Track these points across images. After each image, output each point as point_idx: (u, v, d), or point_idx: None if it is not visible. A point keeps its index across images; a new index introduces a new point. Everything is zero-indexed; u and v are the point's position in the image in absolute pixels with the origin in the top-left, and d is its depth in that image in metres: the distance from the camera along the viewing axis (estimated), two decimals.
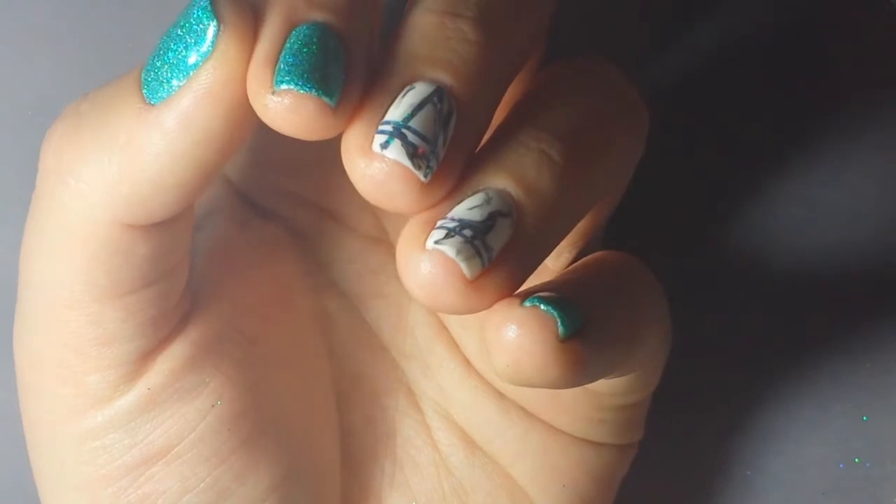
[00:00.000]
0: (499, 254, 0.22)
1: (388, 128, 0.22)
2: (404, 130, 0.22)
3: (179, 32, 0.23)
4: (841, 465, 0.33)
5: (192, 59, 0.22)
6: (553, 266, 0.27)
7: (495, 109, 0.24)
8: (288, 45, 0.22)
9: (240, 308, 0.27)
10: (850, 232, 0.33)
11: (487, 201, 0.22)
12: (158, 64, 0.23)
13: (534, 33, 0.25)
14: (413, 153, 0.22)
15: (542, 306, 0.22)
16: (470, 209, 0.22)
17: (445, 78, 0.22)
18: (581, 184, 0.23)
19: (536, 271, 0.24)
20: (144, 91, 0.23)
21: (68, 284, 0.24)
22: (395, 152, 0.22)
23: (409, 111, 0.22)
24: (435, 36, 0.23)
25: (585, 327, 0.23)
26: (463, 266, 0.22)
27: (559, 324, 0.22)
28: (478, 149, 0.23)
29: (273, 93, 0.22)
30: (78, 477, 0.26)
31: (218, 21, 0.22)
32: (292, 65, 0.22)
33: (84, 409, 0.25)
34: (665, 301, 0.27)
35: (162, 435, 0.25)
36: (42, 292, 0.25)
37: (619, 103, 0.25)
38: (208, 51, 0.22)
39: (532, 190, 0.23)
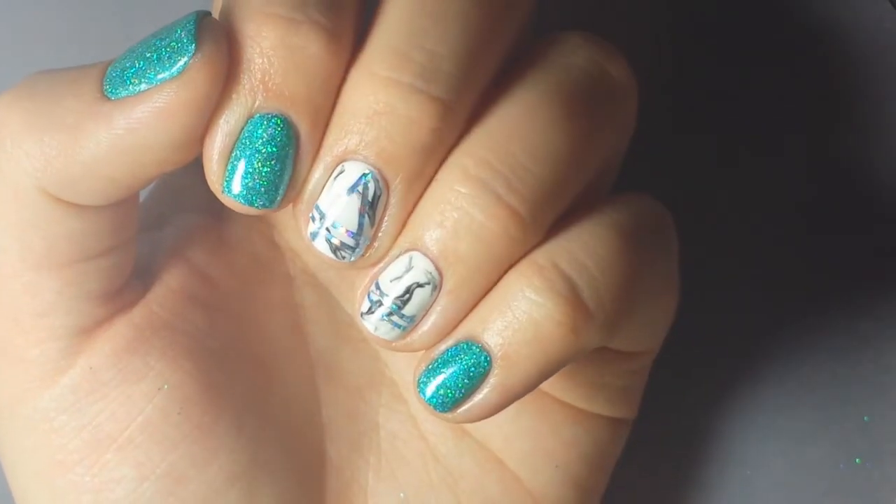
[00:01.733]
0: (418, 319, 0.24)
1: (317, 217, 0.24)
2: (329, 228, 0.24)
3: (157, 43, 0.23)
4: (841, 466, 0.33)
5: (159, 74, 0.23)
6: None
7: (435, 166, 0.24)
8: (243, 139, 0.23)
9: (193, 299, 0.27)
10: (851, 232, 0.33)
11: (407, 270, 0.24)
12: (126, 65, 0.23)
13: (494, 70, 0.24)
14: (336, 247, 0.24)
15: (426, 391, 0.24)
16: (391, 280, 0.24)
17: (374, 160, 0.23)
18: (515, 232, 0.23)
19: None
20: (105, 84, 0.23)
21: (4, 250, 0.25)
22: (321, 246, 0.24)
23: (333, 202, 0.23)
24: (366, 112, 0.23)
25: (491, 374, 0.24)
26: (383, 337, 0.24)
27: (437, 410, 0.24)
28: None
29: (222, 193, 0.24)
30: (35, 463, 0.26)
31: (196, 47, 0.23)
32: (242, 174, 0.23)
33: (30, 388, 0.25)
34: (672, 244, 0.27)
35: (110, 417, 0.26)
36: None
37: (597, 92, 0.25)
38: (177, 71, 0.23)
39: (449, 257, 0.23)
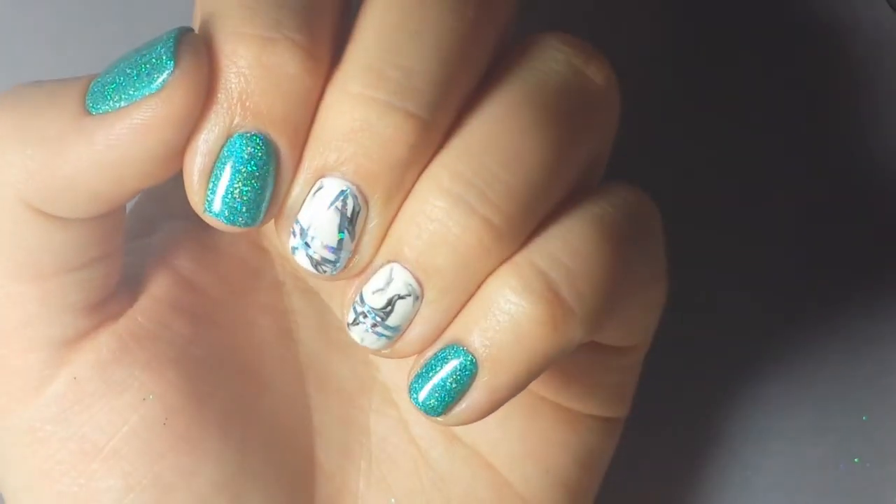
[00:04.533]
0: (403, 329, 0.24)
1: (297, 231, 0.24)
2: (309, 242, 0.24)
3: (138, 59, 0.23)
4: (841, 465, 0.33)
5: (139, 89, 0.23)
6: None
7: (412, 181, 0.24)
8: (223, 157, 0.23)
9: (177, 309, 0.27)
10: (851, 232, 0.33)
11: (388, 282, 0.24)
12: (108, 80, 0.23)
13: (470, 85, 0.24)
14: (316, 262, 0.24)
15: (417, 397, 0.25)
16: (373, 293, 0.24)
17: (351, 176, 0.23)
18: (490, 242, 0.24)
19: None
20: (87, 98, 0.23)
21: None
22: (302, 260, 0.24)
23: (312, 219, 0.24)
24: (343, 129, 0.23)
25: (479, 376, 0.24)
26: (370, 346, 0.25)
27: (430, 414, 0.25)
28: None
29: (204, 212, 0.24)
30: (23, 474, 0.26)
31: (176, 65, 0.23)
32: (222, 194, 0.23)
33: (16, 398, 0.26)
34: (657, 234, 0.27)
35: (95, 428, 0.26)
36: None
37: (579, 93, 0.25)
38: (156, 87, 0.23)
39: (427, 270, 0.24)
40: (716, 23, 0.33)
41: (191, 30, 0.24)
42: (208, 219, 0.24)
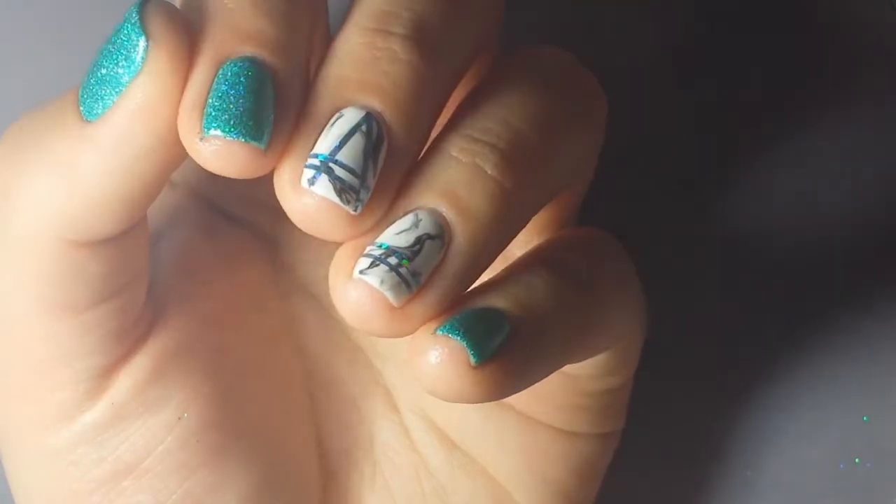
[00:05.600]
0: (427, 278, 0.22)
1: (316, 162, 0.22)
2: (331, 165, 0.22)
3: (111, 49, 0.22)
4: (841, 465, 0.33)
5: (123, 76, 0.22)
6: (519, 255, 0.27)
7: (431, 128, 0.23)
8: (215, 84, 0.22)
9: (204, 318, 0.27)
10: (851, 233, 0.33)
11: (416, 224, 0.22)
12: (93, 81, 0.23)
13: (475, 44, 0.24)
14: (340, 188, 0.22)
15: (452, 335, 0.22)
16: (398, 234, 0.22)
17: (374, 103, 0.22)
18: (521, 194, 0.23)
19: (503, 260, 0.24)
20: (81, 109, 0.23)
21: (19, 303, 0.24)
22: (323, 188, 0.22)
23: (337, 142, 0.22)
24: (364, 57, 0.23)
25: (514, 337, 0.22)
26: (388, 295, 0.22)
27: (470, 353, 0.22)
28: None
29: (202, 139, 0.22)
30: (49, 493, 0.26)
31: (147, 37, 0.22)
32: (219, 109, 0.22)
33: (50, 425, 0.25)
34: (635, 276, 0.27)
35: (130, 449, 0.25)
36: None
37: (570, 94, 0.25)
38: (138, 67, 0.22)
39: (463, 210, 0.22)
40: (715, 22, 0.33)
41: (146, 0, 0.22)
42: (209, 146, 0.22)
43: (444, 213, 0.22)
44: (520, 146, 0.23)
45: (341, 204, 0.22)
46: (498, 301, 0.23)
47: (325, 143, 0.22)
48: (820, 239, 0.33)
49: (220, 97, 0.22)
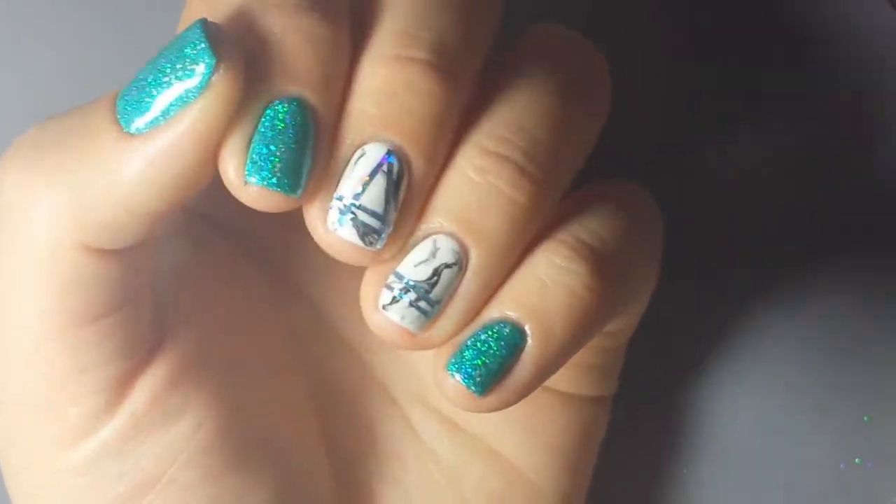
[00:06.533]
0: (445, 303, 0.24)
1: (341, 205, 0.23)
2: (355, 210, 0.23)
3: (168, 65, 0.22)
4: (841, 465, 0.33)
5: (180, 94, 0.22)
6: None
7: (449, 147, 0.24)
8: (262, 128, 0.22)
9: (210, 326, 0.27)
10: (852, 233, 0.33)
11: (434, 253, 0.23)
12: (142, 94, 0.22)
13: (487, 50, 0.25)
14: (364, 232, 0.23)
15: (454, 374, 0.24)
16: (416, 266, 0.23)
17: (396, 138, 0.23)
18: (537, 203, 0.24)
19: None
20: (121, 120, 0.23)
21: (40, 315, 0.24)
22: (348, 233, 0.23)
23: (360, 186, 0.23)
24: (384, 91, 0.23)
25: (524, 353, 0.24)
26: (409, 328, 0.24)
27: (473, 390, 0.24)
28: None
29: (245, 183, 0.22)
30: None
31: (215, 58, 0.22)
32: (263, 158, 0.22)
33: (70, 443, 0.25)
34: (661, 233, 0.27)
35: (152, 460, 0.25)
36: (10, 328, 0.24)
37: (579, 83, 0.25)
38: (200, 87, 0.22)
39: (478, 232, 0.23)
40: (715, 22, 0.33)
41: (212, 22, 0.23)
42: (248, 191, 0.22)
43: (461, 238, 0.23)
44: (534, 153, 0.24)
45: (365, 246, 0.23)
46: (510, 309, 0.24)
47: (349, 186, 0.23)
48: (820, 238, 0.33)
49: (266, 143, 0.22)
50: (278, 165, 0.22)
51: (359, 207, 0.23)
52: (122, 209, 0.23)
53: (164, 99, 0.22)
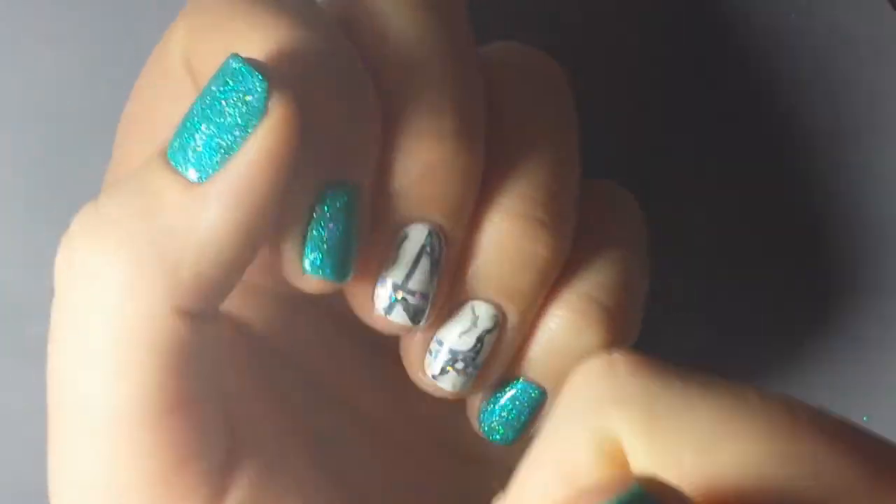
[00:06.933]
0: (485, 362, 0.25)
1: (389, 290, 0.24)
2: (405, 295, 0.24)
3: (216, 103, 0.21)
4: None
5: (239, 128, 0.21)
6: None
7: (474, 206, 0.25)
8: (317, 216, 0.23)
9: (286, 383, 0.26)
10: (851, 233, 0.33)
11: (475, 322, 0.25)
12: (196, 138, 0.21)
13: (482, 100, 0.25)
14: (413, 314, 0.24)
15: (491, 439, 0.26)
16: (460, 336, 0.25)
17: (436, 217, 0.24)
18: (559, 247, 0.25)
19: None
20: (181, 170, 0.22)
21: (136, 398, 0.22)
22: (399, 317, 0.24)
23: (407, 270, 0.24)
24: (423, 173, 0.23)
25: (545, 406, 0.26)
26: (460, 392, 0.25)
27: (504, 444, 0.26)
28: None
29: (302, 274, 0.23)
30: None
31: (269, 86, 0.21)
32: (317, 252, 0.23)
33: None
34: (645, 235, 0.28)
35: None
36: (97, 418, 0.22)
37: (560, 111, 0.26)
38: (258, 115, 0.21)
39: (513, 294, 0.25)
40: (714, 22, 0.33)
41: (240, 55, 0.21)
42: (308, 279, 0.23)
43: (497, 302, 0.25)
44: (551, 204, 0.25)
45: (413, 325, 0.24)
46: (533, 374, 0.25)
47: (398, 272, 0.24)
48: (820, 239, 0.33)
49: (320, 240, 0.23)
50: (334, 258, 0.23)
51: (408, 291, 0.24)
52: (206, 260, 0.21)
53: (220, 137, 0.21)
